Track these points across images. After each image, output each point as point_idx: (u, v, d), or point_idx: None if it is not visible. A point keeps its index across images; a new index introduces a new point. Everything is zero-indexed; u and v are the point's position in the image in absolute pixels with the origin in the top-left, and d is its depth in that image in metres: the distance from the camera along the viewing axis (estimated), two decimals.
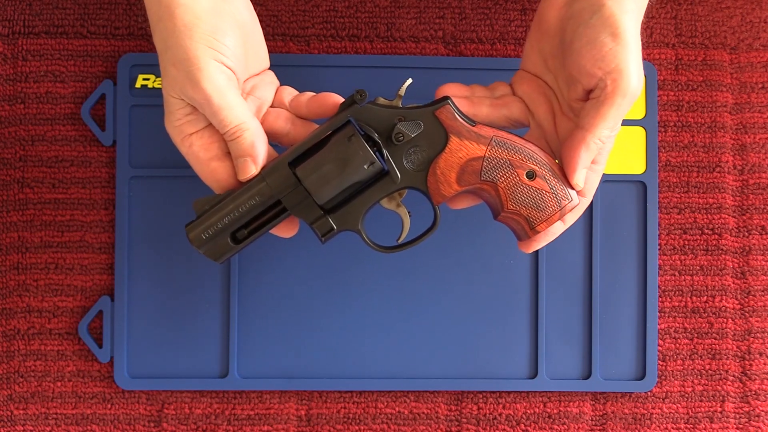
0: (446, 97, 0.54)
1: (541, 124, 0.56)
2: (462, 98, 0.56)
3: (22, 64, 0.72)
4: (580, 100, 0.53)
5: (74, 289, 0.71)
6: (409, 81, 0.55)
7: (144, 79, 0.71)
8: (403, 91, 0.55)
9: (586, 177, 0.54)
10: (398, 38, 0.73)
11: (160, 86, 0.71)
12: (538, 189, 0.54)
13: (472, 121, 0.55)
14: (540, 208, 0.54)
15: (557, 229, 0.56)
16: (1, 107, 0.72)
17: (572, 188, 0.54)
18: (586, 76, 0.51)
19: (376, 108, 0.54)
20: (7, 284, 0.71)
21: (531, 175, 0.54)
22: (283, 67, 0.67)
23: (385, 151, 0.54)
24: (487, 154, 0.54)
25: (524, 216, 0.54)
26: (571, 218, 0.56)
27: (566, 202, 0.54)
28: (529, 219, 0.54)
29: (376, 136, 0.54)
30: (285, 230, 0.57)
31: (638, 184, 0.72)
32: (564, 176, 0.54)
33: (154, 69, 0.71)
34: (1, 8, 0.72)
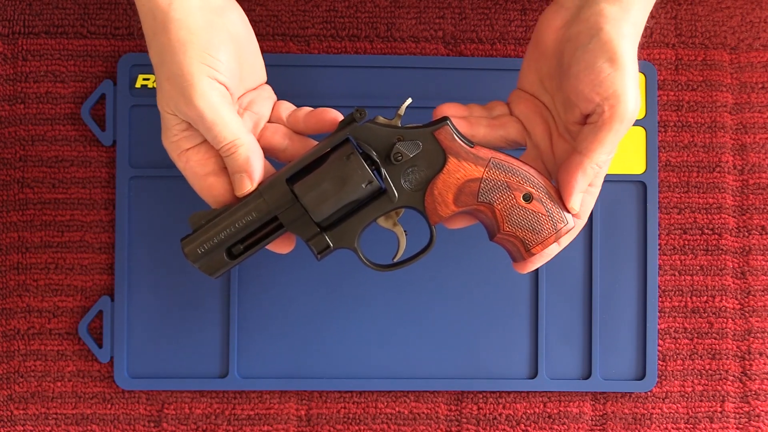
0: (445, 118, 0.54)
1: (538, 145, 0.56)
2: (460, 118, 0.56)
3: (22, 64, 0.72)
4: (578, 124, 0.53)
5: (74, 289, 0.71)
6: (409, 101, 0.55)
7: (144, 79, 0.71)
8: (402, 110, 0.55)
9: (582, 199, 0.54)
10: (398, 38, 0.73)
11: None
12: (535, 212, 0.54)
13: (471, 143, 0.55)
14: (536, 231, 0.54)
15: (552, 251, 0.56)
16: (1, 107, 0.72)
17: (568, 211, 0.54)
18: (584, 100, 0.51)
19: (375, 127, 0.54)
20: (7, 284, 0.71)
21: (528, 198, 0.54)
22: (283, 67, 0.68)
23: (383, 170, 0.54)
24: (484, 176, 0.54)
25: (520, 238, 0.54)
26: (566, 240, 0.56)
27: (562, 225, 0.54)
28: (525, 241, 0.54)
29: (374, 155, 0.54)
30: (281, 246, 0.57)
31: (638, 184, 0.72)
32: (560, 199, 0.54)
33: None
34: (1, 8, 0.72)
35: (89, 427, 0.71)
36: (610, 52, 0.50)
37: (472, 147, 0.54)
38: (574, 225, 0.55)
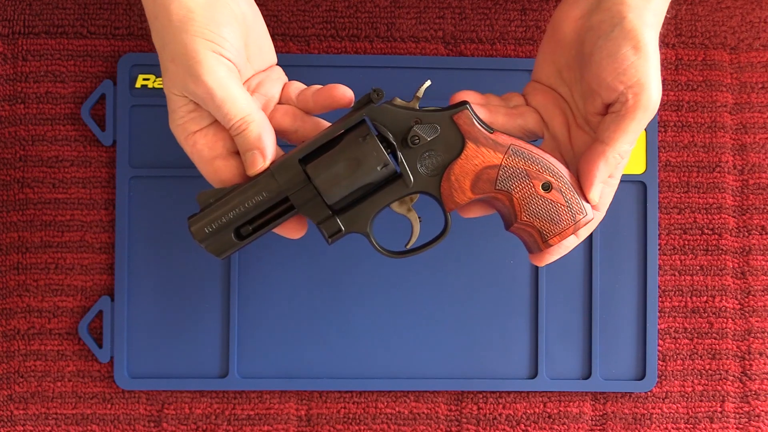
0: (465, 102, 0.53)
1: (556, 136, 0.55)
2: (479, 105, 0.55)
3: (22, 64, 0.72)
4: (598, 114, 0.53)
5: (74, 289, 0.71)
6: (428, 83, 0.54)
7: (144, 79, 0.71)
8: (421, 92, 0.53)
9: (602, 191, 0.54)
10: (398, 38, 0.73)
11: (160, 86, 0.71)
12: (554, 201, 0.53)
13: (490, 129, 0.53)
14: (554, 221, 0.53)
15: (570, 242, 0.55)
16: (1, 107, 0.72)
17: (587, 202, 0.53)
18: (607, 89, 0.51)
19: (393, 109, 0.53)
20: (7, 284, 0.71)
21: (547, 187, 0.53)
22: (283, 67, 0.67)
23: (399, 154, 0.53)
24: (503, 163, 0.53)
25: (537, 228, 0.53)
26: (585, 232, 0.55)
27: (580, 217, 0.53)
28: (542, 232, 0.53)
29: (391, 137, 0.52)
30: (293, 231, 0.56)
31: (638, 184, 0.72)
32: (580, 189, 0.53)
33: (154, 69, 0.71)
34: (1, 8, 0.72)
35: (89, 427, 0.71)
36: (634, 40, 0.49)
37: (491, 133, 0.53)
38: (593, 217, 0.54)
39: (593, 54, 0.51)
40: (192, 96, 0.51)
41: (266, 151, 0.52)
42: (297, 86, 0.56)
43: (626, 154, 0.53)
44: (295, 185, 0.52)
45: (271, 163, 0.53)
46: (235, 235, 0.53)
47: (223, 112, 0.51)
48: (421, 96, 0.54)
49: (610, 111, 0.52)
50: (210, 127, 0.53)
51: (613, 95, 0.51)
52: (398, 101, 0.53)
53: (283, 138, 0.56)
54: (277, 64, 0.58)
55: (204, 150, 0.53)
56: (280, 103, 0.56)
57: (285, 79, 0.57)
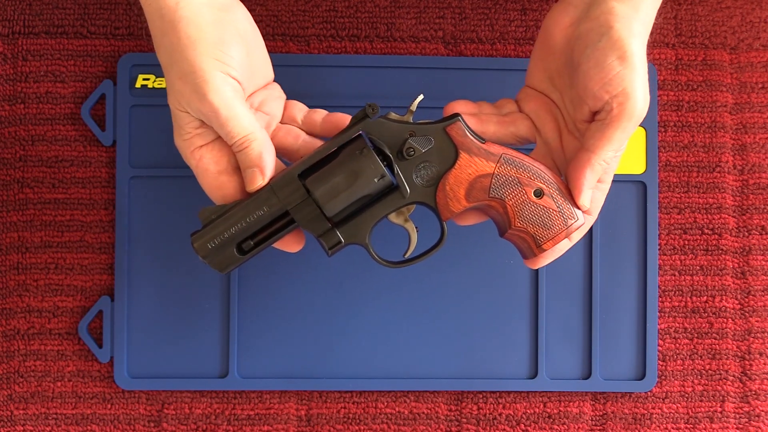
0: (457, 114, 0.55)
1: (548, 142, 0.56)
2: (470, 115, 0.56)
3: (22, 64, 0.72)
4: (586, 121, 0.53)
5: (74, 289, 0.71)
6: (421, 97, 0.55)
7: (144, 79, 0.71)
8: (414, 106, 0.55)
9: (592, 196, 0.54)
10: (398, 38, 0.73)
11: (160, 86, 0.71)
12: (546, 207, 0.54)
13: (482, 139, 0.55)
14: (547, 227, 0.54)
15: (563, 246, 0.56)
16: (1, 107, 0.72)
17: (578, 208, 0.54)
18: (593, 98, 0.51)
19: (388, 122, 0.54)
20: (7, 284, 0.71)
21: (539, 194, 0.54)
22: (283, 67, 0.67)
23: (395, 166, 0.54)
24: (496, 172, 0.54)
25: (531, 234, 0.55)
26: (577, 236, 0.56)
27: (572, 222, 0.54)
28: (536, 237, 0.55)
29: (386, 150, 0.54)
30: (291, 245, 0.57)
31: (638, 184, 0.72)
32: (570, 195, 0.54)
33: (154, 69, 0.71)
34: (1, 8, 0.72)
35: (89, 427, 0.71)
36: (621, 50, 0.50)
37: (483, 143, 0.55)
38: (584, 221, 0.55)
39: (581, 63, 0.52)
40: (197, 113, 0.52)
41: (266, 170, 0.53)
42: (300, 107, 0.58)
43: (612, 160, 0.53)
44: (296, 199, 0.54)
45: (271, 179, 0.54)
46: (238, 250, 0.55)
47: (226, 129, 0.51)
48: (414, 110, 0.55)
49: (596, 119, 0.52)
50: (215, 142, 0.54)
51: (599, 104, 0.51)
52: (393, 115, 0.55)
53: (284, 156, 0.57)
54: (273, 80, 0.59)
55: (210, 165, 0.54)
56: (282, 122, 0.57)
57: (284, 96, 0.59)
